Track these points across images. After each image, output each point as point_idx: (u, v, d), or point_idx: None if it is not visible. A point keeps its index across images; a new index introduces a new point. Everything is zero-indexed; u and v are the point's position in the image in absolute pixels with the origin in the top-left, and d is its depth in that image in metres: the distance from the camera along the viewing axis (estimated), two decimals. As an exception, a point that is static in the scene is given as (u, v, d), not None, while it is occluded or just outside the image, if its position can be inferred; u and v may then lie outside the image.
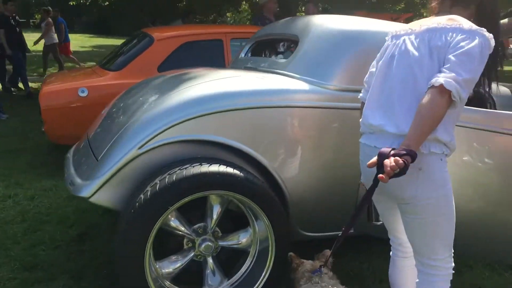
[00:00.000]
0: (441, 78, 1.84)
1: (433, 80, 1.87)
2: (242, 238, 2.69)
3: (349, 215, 2.95)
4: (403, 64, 2.06)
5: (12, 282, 2.91)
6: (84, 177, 2.66)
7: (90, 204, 4.05)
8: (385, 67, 2.15)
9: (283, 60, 3.13)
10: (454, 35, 1.92)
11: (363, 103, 2.32)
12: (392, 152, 1.83)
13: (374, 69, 2.29)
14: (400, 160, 1.77)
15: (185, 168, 2.42)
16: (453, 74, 1.84)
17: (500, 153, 2.63)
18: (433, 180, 1.96)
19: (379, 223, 2.56)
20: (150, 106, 2.70)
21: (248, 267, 2.70)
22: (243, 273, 2.70)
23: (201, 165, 2.45)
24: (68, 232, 3.61)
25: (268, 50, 3.72)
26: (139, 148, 2.56)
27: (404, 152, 1.80)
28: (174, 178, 2.38)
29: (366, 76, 2.37)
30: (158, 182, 2.39)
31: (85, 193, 2.57)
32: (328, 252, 2.42)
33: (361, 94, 2.39)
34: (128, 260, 2.37)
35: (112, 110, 3.25)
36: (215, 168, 2.45)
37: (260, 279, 2.61)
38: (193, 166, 2.44)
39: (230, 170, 2.48)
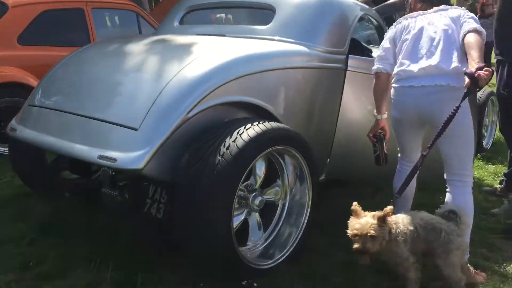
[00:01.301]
0: (473, 26, 2.65)
1: (467, 28, 2.65)
2: (276, 192, 2.87)
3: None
4: (434, 29, 2.79)
5: (19, 283, 2.48)
6: (124, 149, 2.44)
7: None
8: (416, 35, 2.83)
9: (262, 27, 3.30)
10: (456, 10, 2.82)
11: (380, 73, 2.94)
12: (476, 67, 2.45)
13: (389, 45, 2.96)
14: (485, 68, 2.44)
15: (252, 127, 2.50)
16: (477, 25, 2.67)
17: None
18: (465, 108, 2.69)
19: (386, 164, 3.08)
20: (183, 69, 2.61)
21: (282, 218, 2.90)
22: (277, 224, 2.89)
23: (262, 123, 2.55)
24: (16, 227, 3.09)
25: (220, 17, 3.78)
26: (188, 112, 2.51)
27: (481, 65, 2.46)
28: (250, 135, 2.44)
29: (381, 51, 2.99)
30: (231, 143, 2.41)
31: (137, 165, 2.40)
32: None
33: (378, 66, 2.96)
34: (215, 228, 2.35)
35: (96, 74, 2.99)
36: (276, 125, 2.59)
37: (300, 226, 2.85)
38: (257, 124, 2.52)
39: (287, 126, 2.66)
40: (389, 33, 3.02)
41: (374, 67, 2.98)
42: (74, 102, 2.84)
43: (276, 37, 3.16)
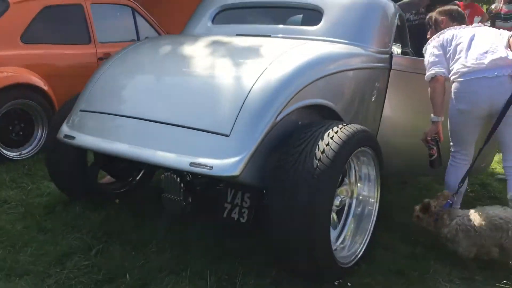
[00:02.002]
0: None
1: None
2: (345, 191, 2.94)
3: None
4: (487, 34, 3.16)
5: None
6: (217, 156, 2.43)
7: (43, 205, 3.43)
8: (471, 38, 3.13)
9: (312, 28, 3.32)
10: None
11: (440, 76, 3.16)
12: None
13: (440, 51, 3.21)
14: None
15: (339, 130, 2.54)
16: None
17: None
18: None
19: (441, 166, 3.27)
20: (264, 72, 2.61)
21: (350, 216, 2.97)
22: (346, 223, 2.96)
23: (347, 125, 2.61)
24: (77, 237, 2.98)
25: (262, 17, 3.73)
26: (277, 116, 2.53)
27: None
28: (342, 138, 2.48)
29: (433, 57, 3.22)
30: (325, 146, 2.44)
31: (233, 171, 2.40)
32: (446, 192, 3.08)
33: (436, 70, 3.16)
34: (316, 231, 2.38)
35: (160, 77, 2.98)
36: (359, 127, 2.66)
37: (371, 222, 2.95)
38: (343, 127, 2.57)
39: (365, 127, 2.73)
40: (434, 42, 3.27)
41: (432, 72, 3.12)
42: (146, 108, 2.76)
43: (330, 38, 3.20)
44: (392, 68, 3.40)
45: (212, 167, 2.40)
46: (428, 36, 3.53)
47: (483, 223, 2.77)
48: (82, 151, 3.24)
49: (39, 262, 2.70)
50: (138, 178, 3.74)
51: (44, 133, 4.64)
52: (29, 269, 2.62)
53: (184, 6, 6.95)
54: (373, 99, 3.31)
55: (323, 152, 2.44)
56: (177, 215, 3.05)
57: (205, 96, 2.69)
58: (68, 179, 3.36)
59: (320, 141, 2.48)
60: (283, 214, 2.42)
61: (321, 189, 2.38)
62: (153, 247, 2.87)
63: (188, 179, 2.90)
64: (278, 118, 2.53)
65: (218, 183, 2.96)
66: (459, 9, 3.52)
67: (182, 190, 2.83)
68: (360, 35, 3.24)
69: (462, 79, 3.04)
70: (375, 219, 2.96)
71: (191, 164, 2.45)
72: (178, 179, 2.83)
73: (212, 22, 3.78)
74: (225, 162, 2.41)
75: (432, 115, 3.18)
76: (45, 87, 4.60)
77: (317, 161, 2.41)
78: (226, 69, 2.79)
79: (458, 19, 3.39)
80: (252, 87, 2.57)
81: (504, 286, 2.66)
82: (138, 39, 5.68)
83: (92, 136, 2.83)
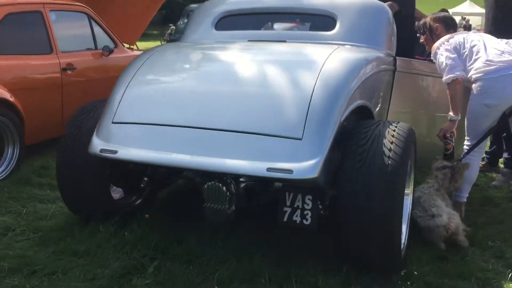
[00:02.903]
0: None
1: None
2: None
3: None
4: (496, 40, 3.46)
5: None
6: (294, 160, 2.45)
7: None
8: (482, 41, 3.42)
9: (328, 33, 3.44)
10: None
11: (460, 78, 3.38)
12: None
13: (455, 55, 3.41)
14: None
15: (397, 129, 2.67)
16: None
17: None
18: None
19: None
20: (319, 75, 2.69)
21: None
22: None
23: (398, 123, 2.75)
24: (130, 257, 2.82)
25: (267, 23, 3.75)
26: (341, 117, 2.62)
27: None
28: (404, 136, 2.61)
29: (450, 61, 3.39)
30: (392, 145, 2.56)
31: (312, 174, 2.44)
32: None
33: (456, 73, 3.37)
34: (394, 228, 2.52)
35: (204, 84, 2.92)
36: (407, 125, 2.82)
37: (408, 213, 3.13)
38: (397, 126, 2.71)
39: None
40: (445, 45, 3.47)
41: (451, 75, 3.35)
42: (204, 116, 2.67)
43: (348, 42, 3.34)
44: (397, 69, 3.63)
45: (293, 171, 2.42)
46: (421, 41, 3.81)
47: (424, 205, 3.20)
48: (103, 167, 3.06)
49: (97, 287, 2.52)
50: (150, 189, 3.59)
51: (16, 151, 4.25)
52: (92, 295, 2.44)
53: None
54: (385, 99, 3.51)
55: (390, 150, 2.55)
56: (220, 224, 3.01)
57: (265, 101, 2.69)
58: (89, 199, 3.12)
59: (384, 139, 2.60)
60: (358, 212, 2.50)
61: (396, 184, 2.51)
62: (208, 258, 2.80)
63: (233, 187, 2.86)
64: (342, 119, 2.62)
65: (270, 188, 2.96)
66: (452, 16, 3.82)
67: (228, 198, 2.79)
68: (375, 39, 3.42)
69: (488, 76, 3.30)
70: (410, 210, 3.15)
71: (269, 169, 2.44)
72: (224, 188, 2.79)
73: (215, 28, 3.74)
74: (303, 166, 2.44)
75: (451, 113, 3.41)
76: (13, 100, 4.22)
77: (387, 159, 2.53)
78: (276, 73, 2.80)
79: (453, 26, 3.67)
80: (313, 90, 2.62)
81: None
82: (96, 47, 5.42)
83: (140, 149, 2.69)
